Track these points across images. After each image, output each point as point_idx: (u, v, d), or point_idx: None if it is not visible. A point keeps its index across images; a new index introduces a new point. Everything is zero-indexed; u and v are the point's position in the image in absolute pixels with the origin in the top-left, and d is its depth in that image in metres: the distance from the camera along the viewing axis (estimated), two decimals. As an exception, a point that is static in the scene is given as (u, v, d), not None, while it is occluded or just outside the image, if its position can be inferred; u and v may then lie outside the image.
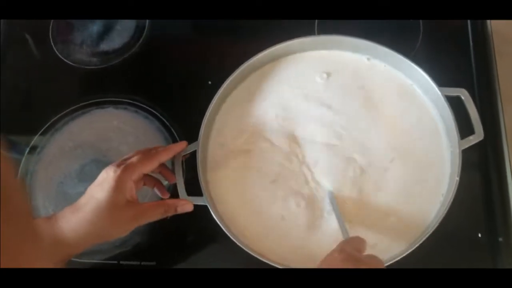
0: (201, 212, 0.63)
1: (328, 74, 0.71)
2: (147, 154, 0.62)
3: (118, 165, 0.60)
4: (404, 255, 0.57)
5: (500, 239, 0.63)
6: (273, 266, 0.59)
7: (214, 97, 0.68)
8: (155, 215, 0.62)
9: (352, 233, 0.58)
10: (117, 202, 0.58)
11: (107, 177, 0.59)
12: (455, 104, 0.65)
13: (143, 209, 0.61)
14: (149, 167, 0.62)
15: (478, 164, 0.68)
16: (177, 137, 0.75)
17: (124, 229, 0.61)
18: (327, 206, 0.63)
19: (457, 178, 0.60)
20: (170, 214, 0.63)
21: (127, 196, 0.59)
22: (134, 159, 0.61)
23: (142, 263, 0.68)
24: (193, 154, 0.66)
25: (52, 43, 0.87)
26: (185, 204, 0.63)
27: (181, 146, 0.66)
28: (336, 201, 0.62)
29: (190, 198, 0.63)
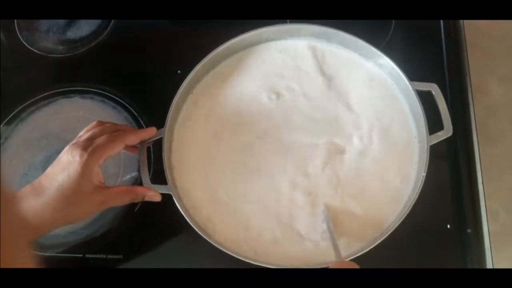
0: (168, 202, 0.62)
1: (296, 64, 0.70)
2: (113, 135, 0.60)
3: (84, 148, 0.57)
4: (366, 249, 0.57)
5: (469, 230, 0.64)
6: (236, 257, 0.58)
7: (182, 85, 0.67)
8: (122, 201, 0.61)
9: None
10: (84, 188, 0.56)
11: (72, 161, 0.56)
12: (425, 98, 0.64)
13: (111, 194, 0.59)
14: (117, 150, 0.60)
15: (447, 157, 0.68)
16: (145, 127, 0.73)
17: (90, 213, 0.59)
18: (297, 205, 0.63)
19: (424, 174, 0.59)
20: (137, 201, 0.62)
21: (95, 181, 0.57)
22: (101, 141, 0.58)
23: (108, 256, 0.66)
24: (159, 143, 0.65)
25: (17, 30, 0.85)
26: (154, 195, 0.62)
27: (149, 133, 0.64)
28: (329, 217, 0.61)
29: (154, 186, 0.62)
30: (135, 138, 0.62)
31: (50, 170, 0.58)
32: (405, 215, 0.58)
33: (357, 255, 0.56)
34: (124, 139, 0.60)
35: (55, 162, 0.58)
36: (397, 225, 0.58)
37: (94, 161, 0.57)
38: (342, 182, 0.63)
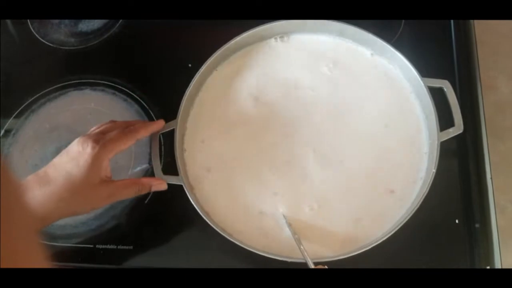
0: (179, 194, 0.62)
1: (308, 58, 0.70)
2: (125, 131, 0.61)
3: (96, 141, 0.58)
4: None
5: (477, 225, 0.63)
6: (248, 249, 0.58)
7: (195, 76, 0.68)
8: (129, 194, 0.61)
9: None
10: (91, 180, 0.57)
11: (83, 152, 0.57)
12: (435, 94, 0.65)
13: (117, 187, 0.60)
14: (127, 145, 0.60)
15: (457, 153, 0.68)
16: (156, 120, 0.74)
17: (96, 206, 0.60)
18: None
19: (434, 170, 0.60)
20: (144, 192, 0.62)
21: (102, 175, 0.58)
22: (113, 135, 0.59)
23: (119, 247, 0.66)
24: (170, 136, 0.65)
25: (29, 22, 0.85)
26: (160, 184, 0.63)
27: (159, 125, 0.65)
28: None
29: (165, 177, 0.63)
30: (145, 131, 0.63)
31: (57, 159, 0.58)
32: (415, 210, 0.58)
33: (375, 244, 0.58)
34: (135, 134, 0.61)
35: (63, 152, 0.59)
36: (407, 219, 0.58)
37: (105, 154, 0.57)
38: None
